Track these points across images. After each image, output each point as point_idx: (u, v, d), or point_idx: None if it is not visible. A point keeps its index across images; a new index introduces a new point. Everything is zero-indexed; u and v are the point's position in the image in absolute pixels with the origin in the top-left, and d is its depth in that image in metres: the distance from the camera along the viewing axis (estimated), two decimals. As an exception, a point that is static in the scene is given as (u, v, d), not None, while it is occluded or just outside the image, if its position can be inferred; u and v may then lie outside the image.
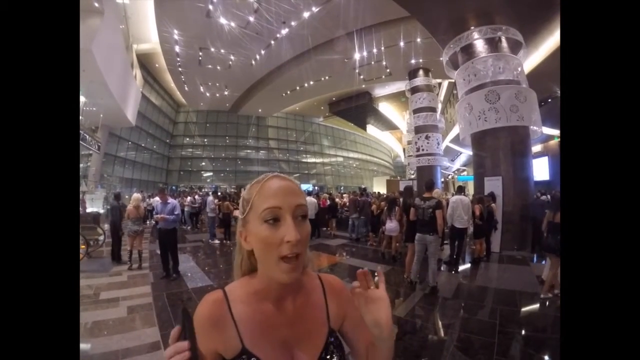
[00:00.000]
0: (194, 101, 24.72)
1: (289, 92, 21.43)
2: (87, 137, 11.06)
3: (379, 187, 21.80)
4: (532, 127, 7.75)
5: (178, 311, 3.55)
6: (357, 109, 24.41)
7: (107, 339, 2.90)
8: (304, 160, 31.50)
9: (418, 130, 15.30)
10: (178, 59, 16.28)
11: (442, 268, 5.59)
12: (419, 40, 12.63)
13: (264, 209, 0.57)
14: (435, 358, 2.69)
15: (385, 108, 26.26)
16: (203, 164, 28.46)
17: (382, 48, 13.74)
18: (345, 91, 21.95)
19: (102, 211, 9.22)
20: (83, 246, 5.92)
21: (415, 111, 15.44)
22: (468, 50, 8.50)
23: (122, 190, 15.35)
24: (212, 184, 26.55)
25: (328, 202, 10.56)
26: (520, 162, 7.56)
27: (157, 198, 5.91)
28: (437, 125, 15.25)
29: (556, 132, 16.10)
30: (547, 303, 3.91)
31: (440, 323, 3.47)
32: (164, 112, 24.83)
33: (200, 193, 15.58)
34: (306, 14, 11.76)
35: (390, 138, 36.86)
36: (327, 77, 18.51)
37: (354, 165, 36.44)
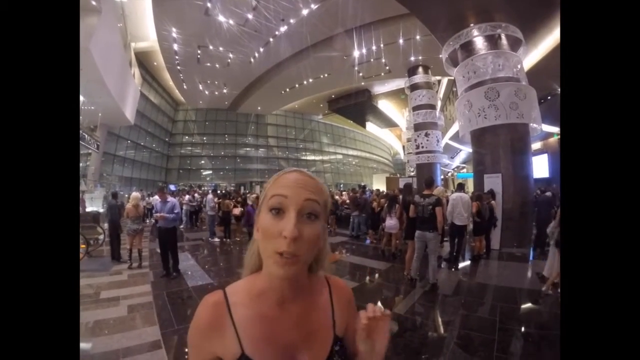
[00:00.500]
0: (192, 99, 24.66)
1: (288, 90, 21.38)
2: (86, 136, 11.03)
3: (379, 185, 21.81)
4: (531, 124, 7.73)
5: (179, 310, 3.57)
6: (357, 106, 24.41)
7: (108, 338, 2.90)
8: (303, 158, 31.48)
9: (417, 127, 15.28)
10: (176, 57, 16.22)
11: (442, 265, 5.60)
12: (418, 37, 12.59)
13: (271, 195, 0.55)
14: (435, 355, 2.70)
15: (385, 105, 26.24)
16: (202, 162, 28.46)
17: (381, 45, 13.70)
18: (344, 89, 21.92)
19: (101, 210, 9.22)
20: (83, 246, 5.93)
21: (415, 108, 15.41)
22: (467, 48, 8.47)
23: (121, 189, 15.41)
24: (212, 182, 26.55)
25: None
26: (520, 159, 7.56)
27: (156, 197, 5.91)
28: (437, 122, 15.22)
29: (556, 129, 16.08)
30: (547, 300, 3.93)
31: (440, 320, 3.49)
32: (162, 110, 24.79)
33: (200, 191, 15.58)
34: (305, 11, 11.71)
35: (389, 135, 36.83)
36: (326, 75, 18.48)
37: (354, 162, 36.44)
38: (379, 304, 0.58)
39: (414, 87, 15.48)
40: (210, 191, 11.01)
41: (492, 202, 6.57)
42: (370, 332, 0.58)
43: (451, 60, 9.35)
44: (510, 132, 7.53)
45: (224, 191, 11.95)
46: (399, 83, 18.54)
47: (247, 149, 29.60)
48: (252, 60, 16.35)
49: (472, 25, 8.37)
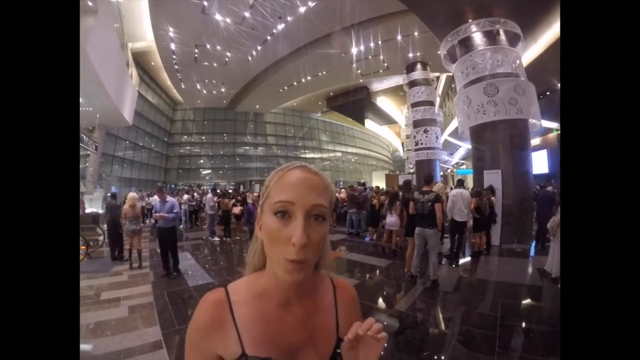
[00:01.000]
0: (191, 99, 24.57)
1: (286, 88, 21.32)
2: (85, 137, 11.02)
3: (378, 182, 21.82)
4: (531, 120, 7.73)
5: (180, 310, 3.57)
6: (355, 103, 24.35)
7: (109, 339, 2.91)
8: (302, 156, 31.42)
9: (416, 124, 15.27)
10: (174, 57, 16.15)
11: (442, 262, 5.61)
12: (416, 33, 12.54)
13: (276, 201, 0.53)
14: (436, 351, 2.71)
15: (384, 102, 26.20)
16: (201, 161, 28.41)
17: (380, 42, 13.66)
18: (342, 86, 21.82)
19: (101, 211, 9.22)
20: (83, 247, 5.93)
21: (414, 105, 15.38)
22: (466, 43, 8.45)
23: (120, 189, 15.40)
24: (211, 181, 26.53)
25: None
26: (520, 155, 7.56)
27: (155, 197, 5.92)
28: (436, 119, 15.22)
29: (555, 124, 16.10)
30: (549, 295, 3.94)
31: (441, 316, 3.50)
32: (161, 110, 24.70)
33: (199, 191, 15.56)
34: (302, 9, 11.65)
35: (388, 132, 36.78)
36: (324, 72, 18.41)
37: (353, 160, 36.41)
38: (380, 323, 0.56)
39: (412, 84, 15.46)
40: (209, 190, 11.01)
41: (492, 198, 6.58)
42: (356, 345, 0.56)
43: (450, 56, 9.33)
44: (510, 127, 7.53)
45: (223, 190, 11.95)
46: (398, 80, 18.47)
47: (246, 147, 29.53)
48: (249, 58, 16.29)
49: (470, 20, 8.34)
